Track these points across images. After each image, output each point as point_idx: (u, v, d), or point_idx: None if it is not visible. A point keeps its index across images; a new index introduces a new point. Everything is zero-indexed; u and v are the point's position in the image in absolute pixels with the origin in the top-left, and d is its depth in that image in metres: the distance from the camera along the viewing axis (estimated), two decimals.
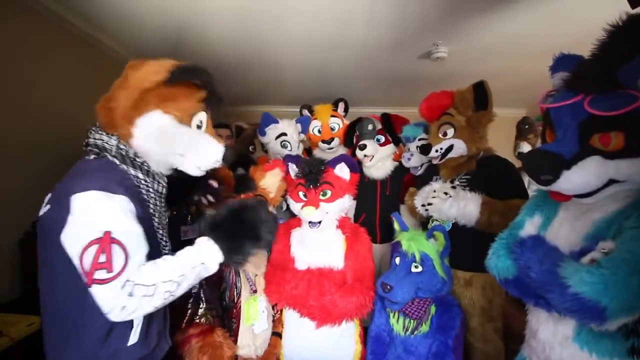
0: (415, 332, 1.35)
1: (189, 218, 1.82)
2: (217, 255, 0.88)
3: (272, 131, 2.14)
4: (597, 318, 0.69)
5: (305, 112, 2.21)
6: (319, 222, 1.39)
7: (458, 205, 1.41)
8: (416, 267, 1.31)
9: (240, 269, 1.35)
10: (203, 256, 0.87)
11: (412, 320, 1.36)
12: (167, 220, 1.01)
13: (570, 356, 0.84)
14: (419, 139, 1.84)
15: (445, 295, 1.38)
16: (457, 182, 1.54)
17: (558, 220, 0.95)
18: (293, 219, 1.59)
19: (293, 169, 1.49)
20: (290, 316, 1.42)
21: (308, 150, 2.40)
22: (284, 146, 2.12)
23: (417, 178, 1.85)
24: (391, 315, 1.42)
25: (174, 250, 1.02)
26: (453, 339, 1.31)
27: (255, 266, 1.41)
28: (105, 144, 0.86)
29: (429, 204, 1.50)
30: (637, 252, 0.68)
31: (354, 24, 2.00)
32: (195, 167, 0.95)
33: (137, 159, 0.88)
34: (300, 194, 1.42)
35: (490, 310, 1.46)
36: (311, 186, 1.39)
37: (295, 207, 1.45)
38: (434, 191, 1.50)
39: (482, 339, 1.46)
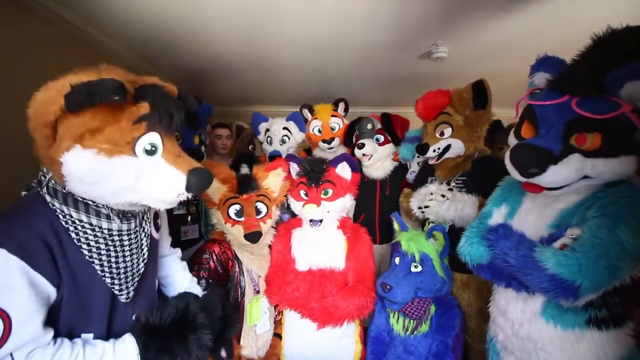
0: (415, 332, 1.37)
1: (189, 218, 1.83)
2: None
3: (262, 129, 2.28)
4: (572, 295, 0.79)
5: (306, 111, 2.23)
6: (320, 221, 1.42)
7: (455, 207, 1.43)
8: (416, 267, 1.33)
9: (245, 269, 1.36)
10: None
11: (412, 320, 1.38)
12: (137, 263, 0.84)
13: (537, 330, 0.94)
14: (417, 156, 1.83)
15: (445, 295, 1.40)
16: (453, 184, 1.56)
17: (524, 209, 1.04)
18: (293, 219, 1.60)
19: (294, 168, 1.50)
20: (291, 317, 1.44)
21: (308, 150, 2.42)
22: (269, 142, 2.21)
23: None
24: (391, 315, 1.44)
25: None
26: (453, 339, 1.34)
27: (259, 267, 1.42)
28: (42, 176, 0.74)
29: (426, 207, 1.51)
30: (603, 237, 0.79)
31: (354, 24, 2.03)
32: (157, 201, 0.78)
33: (79, 195, 0.73)
34: (302, 192, 1.44)
35: (488, 310, 1.47)
36: (313, 185, 1.41)
37: (296, 206, 1.48)
38: (431, 194, 1.51)
39: (480, 340, 1.48)
